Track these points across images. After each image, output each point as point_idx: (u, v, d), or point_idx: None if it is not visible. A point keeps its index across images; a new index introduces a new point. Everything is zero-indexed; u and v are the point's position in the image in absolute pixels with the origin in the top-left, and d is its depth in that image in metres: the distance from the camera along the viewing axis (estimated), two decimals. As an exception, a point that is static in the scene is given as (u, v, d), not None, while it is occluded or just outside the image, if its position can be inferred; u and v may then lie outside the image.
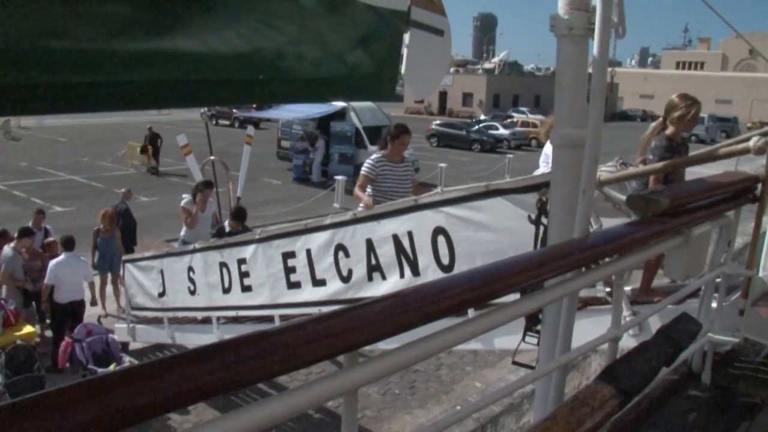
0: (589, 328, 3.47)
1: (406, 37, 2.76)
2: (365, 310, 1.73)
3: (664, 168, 4.36)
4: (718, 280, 4.01)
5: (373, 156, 7.32)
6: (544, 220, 3.84)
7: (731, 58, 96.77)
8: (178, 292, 9.21)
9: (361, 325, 1.67)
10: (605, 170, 5.34)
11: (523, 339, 3.73)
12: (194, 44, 1.88)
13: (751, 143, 3.84)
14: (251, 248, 7.48)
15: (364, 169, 7.20)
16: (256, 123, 37.43)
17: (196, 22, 1.86)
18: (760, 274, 5.42)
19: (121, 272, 11.57)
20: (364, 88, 2.78)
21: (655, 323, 4.28)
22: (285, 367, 1.51)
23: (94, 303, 11.55)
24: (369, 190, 7.13)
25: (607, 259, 2.78)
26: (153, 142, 29.98)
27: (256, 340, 1.47)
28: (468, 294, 1.85)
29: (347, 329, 1.64)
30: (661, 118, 5.36)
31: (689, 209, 3.23)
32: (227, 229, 10.27)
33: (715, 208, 3.46)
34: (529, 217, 4.12)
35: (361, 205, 6.65)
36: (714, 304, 4.08)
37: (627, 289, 5.28)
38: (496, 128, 48.03)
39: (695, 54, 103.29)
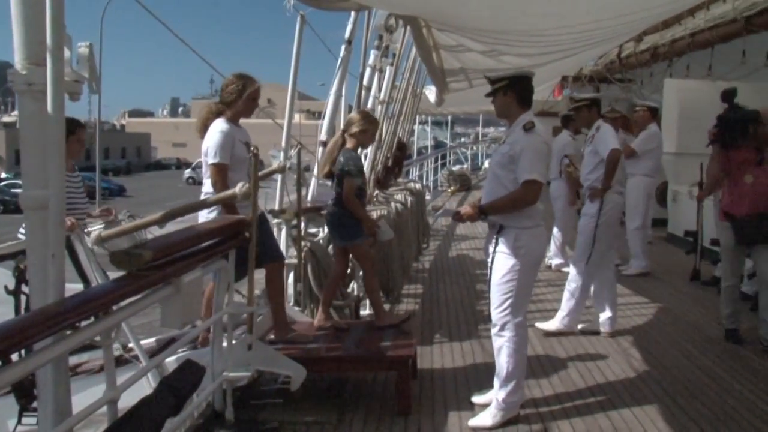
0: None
1: None
2: None
3: (161, 219, 4.41)
4: (225, 320, 4.19)
5: None
6: (26, 288, 3.58)
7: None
8: None
9: None
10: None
11: (19, 422, 3.41)
12: None
13: (237, 189, 4.11)
14: None
15: None
16: None
17: None
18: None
19: None
20: None
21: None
22: None
23: None
24: None
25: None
26: None
27: None
28: None
29: None
30: (340, 132, 5.56)
31: (179, 258, 3.30)
32: None
33: (206, 254, 3.59)
34: (6, 287, 3.79)
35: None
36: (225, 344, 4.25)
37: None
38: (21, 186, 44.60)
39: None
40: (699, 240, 9.07)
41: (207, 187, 4.94)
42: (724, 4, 8.78)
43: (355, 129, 5.43)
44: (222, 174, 4.79)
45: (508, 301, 4.44)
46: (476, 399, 4.84)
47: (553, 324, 6.62)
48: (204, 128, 5.05)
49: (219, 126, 4.92)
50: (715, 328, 6.79)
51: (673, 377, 5.38)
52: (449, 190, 22.28)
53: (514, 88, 4.52)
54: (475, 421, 4.51)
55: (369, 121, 5.56)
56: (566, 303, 6.60)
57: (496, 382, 4.52)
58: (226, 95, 5.03)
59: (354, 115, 5.70)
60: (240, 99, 4.97)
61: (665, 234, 12.09)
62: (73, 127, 5.89)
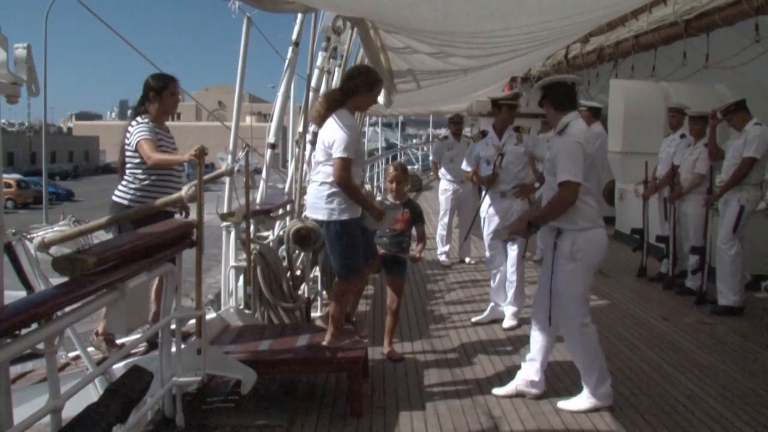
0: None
1: None
2: None
3: (106, 224, 4.36)
4: (173, 326, 4.14)
5: (138, 119, 5.52)
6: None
7: (203, 109, 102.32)
8: None
9: None
10: (58, 229, 5.14)
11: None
12: None
13: (183, 192, 4.08)
14: None
15: (143, 132, 5.40)
16: None
17: None
18: (224, 308, 5.80)
19: None
20: None
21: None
22: None
23: None
24: None
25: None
26: None
27: None
28: None
29: None
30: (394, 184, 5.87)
31: (123, 262, 3.25)
32: None
33: (152, 258, 3.54)
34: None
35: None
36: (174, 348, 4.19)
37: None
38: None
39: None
40: (645, 237, 9.26)
41: (323, 176, 4.85)
42: (665, 7, 8.96)
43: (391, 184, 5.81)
44: (348, 169, 4.73)
45: (572, 304, 4.64)
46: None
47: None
48: (323, 117, 4.93)
49: (348, 120, 4.83)
50: (661, 323, 6.95)
51: (621, 372, 5.47)
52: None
53: (548, 97, 4.77)
54: (564, 404, 4.74)
55: (396, 173, 5.85)
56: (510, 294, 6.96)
57: (582, 376, 4.75)
58: (350, 86, 4.94)
59: (391, 169, 5.97)
60: (363, 92, 4.93)
61: (613, 232, 12.30)
62: (165, 81, 5.61)
